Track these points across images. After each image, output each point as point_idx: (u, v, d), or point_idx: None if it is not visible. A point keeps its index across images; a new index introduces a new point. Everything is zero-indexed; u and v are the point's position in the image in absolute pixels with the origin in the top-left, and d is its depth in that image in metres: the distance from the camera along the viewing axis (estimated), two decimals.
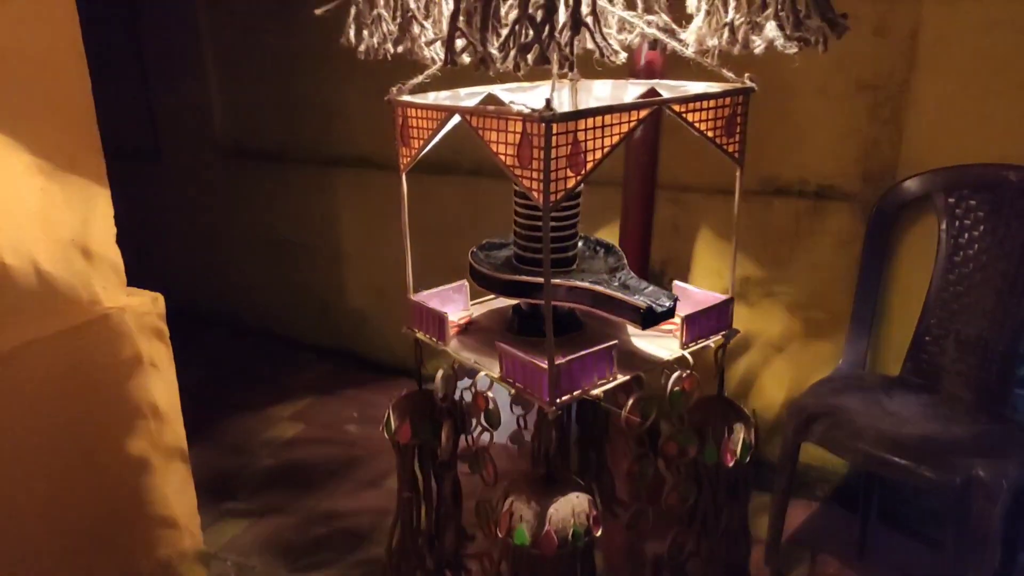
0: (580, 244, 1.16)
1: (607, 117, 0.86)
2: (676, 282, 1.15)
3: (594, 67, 0.94)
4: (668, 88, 1.07)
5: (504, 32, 0.78)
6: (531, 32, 0.75)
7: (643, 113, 0.87)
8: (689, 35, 0.92)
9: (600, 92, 1.17)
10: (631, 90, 1.13)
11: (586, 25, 0.78)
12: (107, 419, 1.65)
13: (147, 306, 1.71)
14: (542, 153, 0.83)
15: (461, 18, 0.80)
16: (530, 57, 0.77)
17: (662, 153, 1.93)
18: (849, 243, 2.05)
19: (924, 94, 1.89)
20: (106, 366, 1.63)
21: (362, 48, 1.05)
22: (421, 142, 1.08)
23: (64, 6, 1.45)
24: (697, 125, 0.93)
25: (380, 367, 3.04)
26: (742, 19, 0.87)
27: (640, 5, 1.04)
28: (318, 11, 1.06)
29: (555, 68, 0.79)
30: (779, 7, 0.85)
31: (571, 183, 0.85)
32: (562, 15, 0.79)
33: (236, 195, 3.32)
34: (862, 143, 2.00)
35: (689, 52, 0.95)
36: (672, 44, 0.96)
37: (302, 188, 3.10)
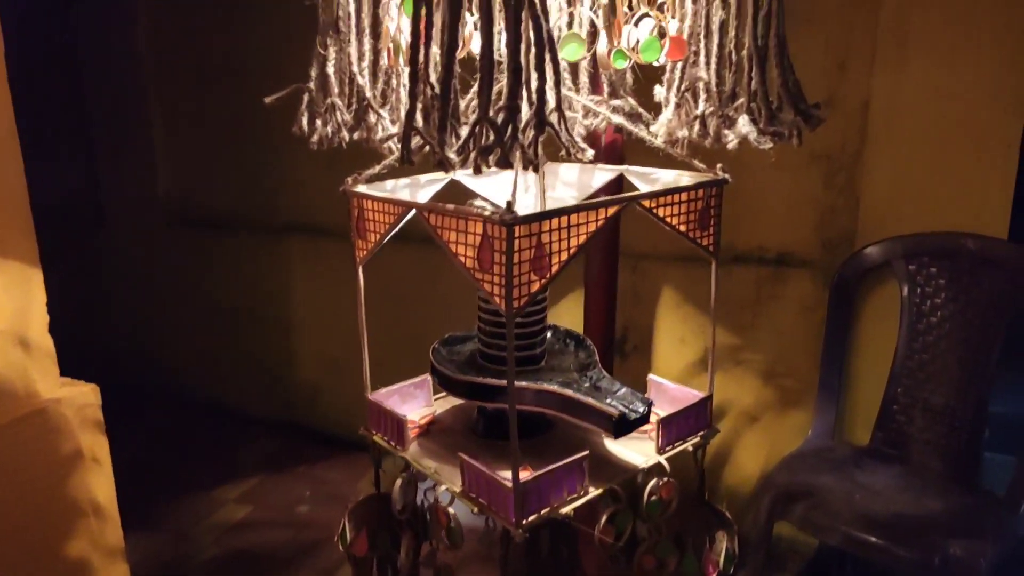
0: (549, 335, 1.10)
1: (573, 216, 0.81)
2: (651, 376, 1.09)
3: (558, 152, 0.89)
4: (637, 175, 1.03)
5: (464, 132, 0.72)
6: (492, 135, 0.70)
7: (612, 211, 0.83)
8: (659, 127, 0.88)
9: (567, 177, 1.13)
10: (598, 176, 1.09)
11: (550, 125, 0.73)
12: (45, 519, 1.52)
13: (86, 397, 1.59)
14: (504, 257, 0.77)
15: (418, 116, 0.75)
16: (491, 159, 0.72)
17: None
18: (812, 309, 2.04)
19: (878, 163, 1.90)
20: (44, 463, 1.51)
21: (315, 138, 0.99)
22: (378, 236, 1.02)
23: None
24: (669, 220, 0.88)
25: (334, 441, 2.91)
26: (713, 112, 0.84)
27: (606, 89, 1.01)
28: (268, 100, 1.00)
29: (518, 167, 0.75)
30: (751, 100, 0.82)
31: (535, 287, 0.80)
32: (525, 113, 0.74)
33: (182, 262, 3.19)
34: (819, 211, 2.00)
35: (658, 142, 0.91)
36: (640, 133, 0.93)
37: (251, 255, 2.99)
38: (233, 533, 2.39)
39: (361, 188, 1.03)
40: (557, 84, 0.74)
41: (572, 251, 0.81)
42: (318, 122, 0.98)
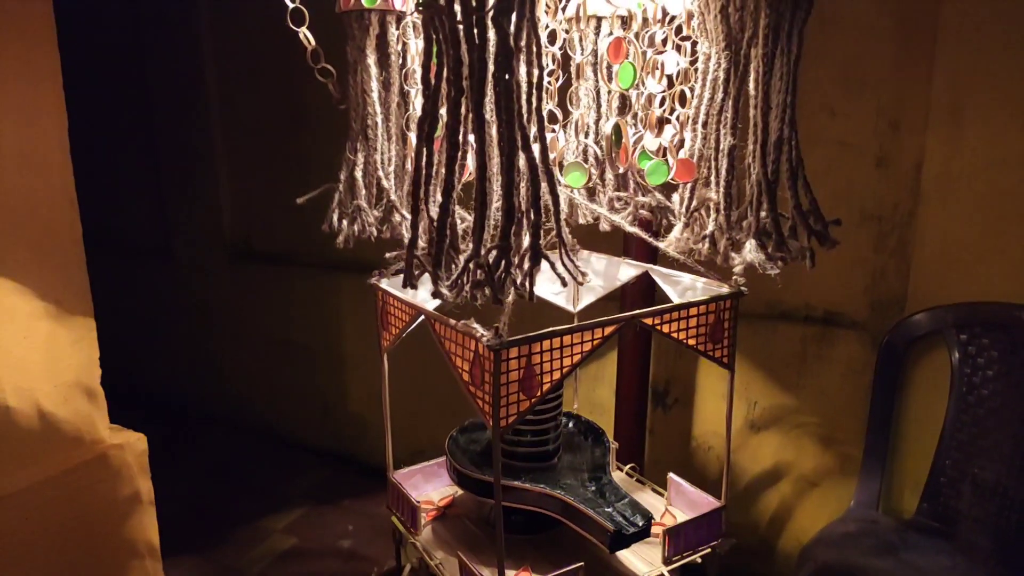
0: (570, 424, 1.11)
1: (566, 337, 0.81)
2: (671, 475, 1.08)
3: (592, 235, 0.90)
4: (660, 276, 1.03)
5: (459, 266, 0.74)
6: (483, 274, 0.72)
7: (608, 330, 0.83)
8: (670, 243, 0.88)
9: (597, 266, 1.14)
10: (624, 270, 1.10)
11: (546, 257, 0.74)
12: (104, 561, 1.62)
13: (140, 443, 1.69)
14: (492, 377, 0.78)
15: (420, 246, 0.78)
16: (484, 292, 0.74)
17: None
18: (859, 372, 1.98)
19: (930, 227, 1.84)
20: (105, 506, 1.61)
21: (340, 239, 1.03)
22: (398, 329, 1.05)
23: (59, 154, 1.46)
24: (676, 336, 0.88)
25: (380, 473, 2.97)
26: (722, 234, 0.83)
27: (632, 184, 1.02)
28: (300, 200, 1.04)
29: (510, 298, 0.76)
30: (760, 223, 0.81)
31: (524, 407, 0.81)
32: (525, 240, 0.76)
33: (242, 296, 3.32)
34: (869, 272, 1.95)
35: (672, 252, 0.91)
36: (654, 243, 0.93)
37: (307, 290, 3.09)
38: (277, 565, 2.47)
39: (385, 283, 1.06)
40: (557, 215, 0.76)
41: (564, 371, 0.82)
42: (345, 222, 1.02)
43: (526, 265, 0.74)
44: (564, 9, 0.96)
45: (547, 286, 1.00)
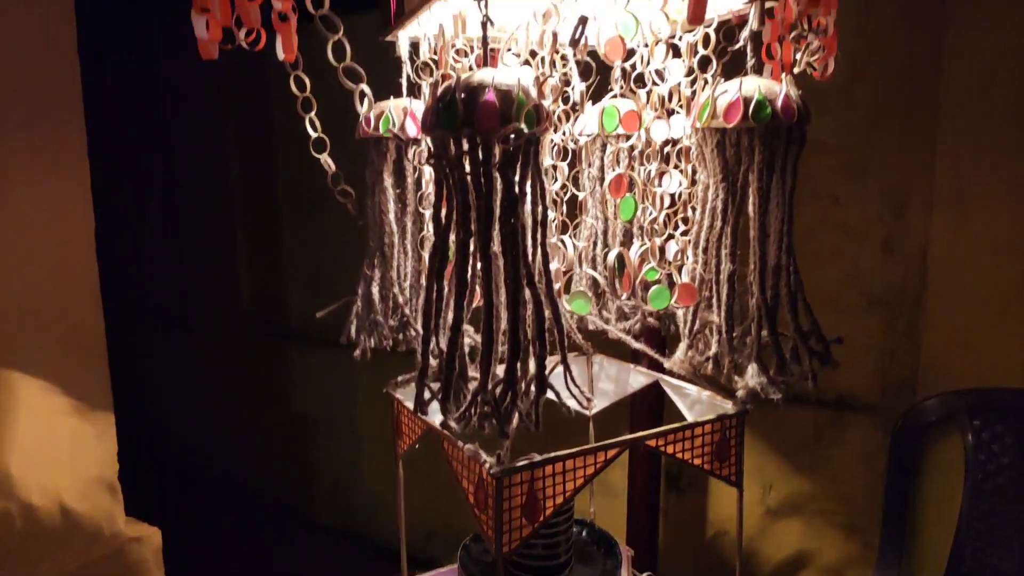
0: (584, 533, 1.12)
1: (569, 461, 0.83)
2: None
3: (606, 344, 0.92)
4: (670, 386, 1.05)
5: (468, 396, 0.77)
6: (489, 408, 0.74)
7: (611, 453, 0.85)
8: (674, 362, 0.90)
9: (611, 371, 1.16)
10: (635, 377, 1.12)
11: (551, 387, 0.77)
12: None
13: (155, 537, 1.70)
14: (495, 503, 0.80)
15: (430, 375, 0.80)
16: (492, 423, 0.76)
17: None
18: (873, 456, 1.96)
19: (939, 311, 1.85)
20: None
21: (357, 352, 1.05)
22: (412, 439, 1.06)
23: (86, 255, 1.52)
24: (680, 456, 0.90)
25: (393, 555, 2.94)
26: (726, 355, 0.86)
27: (640, 293, 1.04)
28: (319, 314, 1.08)
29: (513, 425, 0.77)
30: (761, 346, 0.84)
31: (527, 532, 0.82)
32: (531, 367, 0.78)
33: (257, 367, 3.35)
34: (879, 356, 1.95)
35: (676, 370, 0.93)
36: (658, 358, 0.95)
37: (323, 365, 3.12)
38: None
39: (400, 393, 1.09)
40: (562, 346, 0.78)
41: (568, 495, 0.83)
42: (363, 335, 1.05)
43: (532, 394, 0.76)
44: (572, 126, 1.01)
45: (563, 387, 1.02)
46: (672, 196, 0.97)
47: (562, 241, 1.03)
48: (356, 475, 3.10)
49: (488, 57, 0.77)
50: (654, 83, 0.93)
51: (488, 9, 0.75)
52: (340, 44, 0.88)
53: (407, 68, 1.01)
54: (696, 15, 0.66)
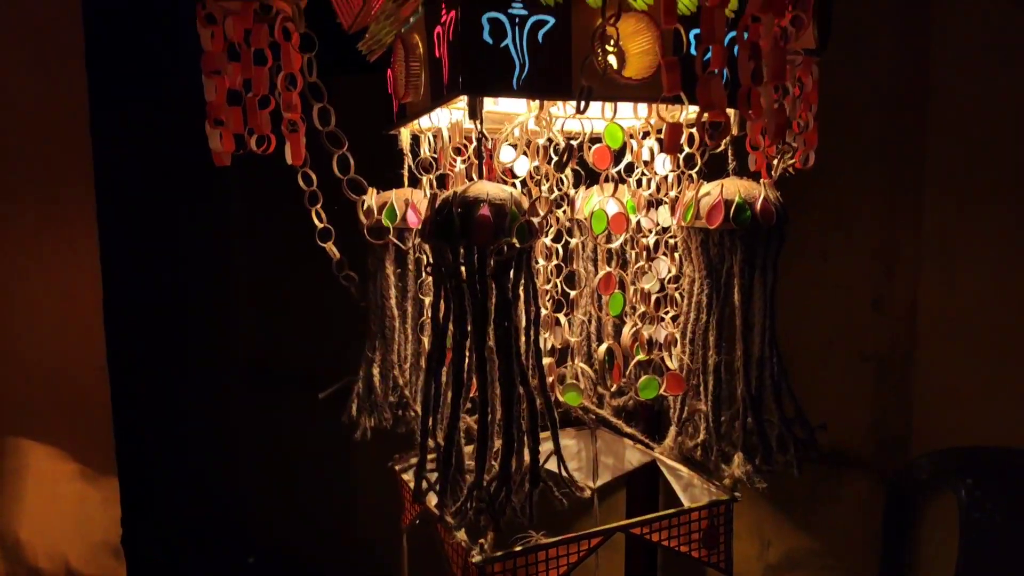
0: None
1: (551, 550, 0.86)
2: None
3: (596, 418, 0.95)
4: (665, 467, 1.08)
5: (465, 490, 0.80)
6: (484, 501, 0.78)
7: (594, 542, 0.88)
8: (664, 448, 0.94)
9: (612, 446, 1.20)
10: (631, 454, 1.15)
11: (544, 481, 0.80)
12: None
13: None
14: None
15: (428, 467, 0.84)
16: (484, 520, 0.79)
17: None
18: (870, 511, 1.98)
19: (930, 367, 1.88)
20: None
21: (357, 435, 1.09)
22: (414, 513, 1.10)
23: (94, 326, 1.56)
24: (668, 544, 0.92)
25: None
26: (714, 443, 0.89)
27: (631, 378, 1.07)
28: (321, 395, 1.12)
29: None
30: (747, 434, 0.87)
31: None
32: (525, 458, 0.81)
33: (256, 415, 3.37)
34: (873, 411, 1.98)
35: (666, 458, 0.97)
36: (645, 445, 0.98)
37: (321, 415, 3.14)
38: None
39: (400, 467, 1.12)
40: (555, 437, 0.82)
41: None
42: (363, 416, 1.09)
43: (526, 487, 0.80)
44: (566, 211, 1.05)
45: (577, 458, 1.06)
46: (662, 281, 1.02)
47: (557, 320, 1.07)
48: (354, 526, 3.10)
49: (483, 167, 0.82)
50: (643, 174, 0.98)
51: (484, 125, 0.80)
52: (325, 109, 0.92)
53: (408, 160, 1.06)
54: (671, 146, 0.70)
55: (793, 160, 0.90)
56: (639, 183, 0.99)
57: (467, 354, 0.79)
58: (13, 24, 1.39)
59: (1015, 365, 1.76)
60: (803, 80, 1.05)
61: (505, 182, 1.02)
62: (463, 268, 0.77)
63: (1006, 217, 1.74)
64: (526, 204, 0.77)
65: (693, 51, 0.77)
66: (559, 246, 1.09)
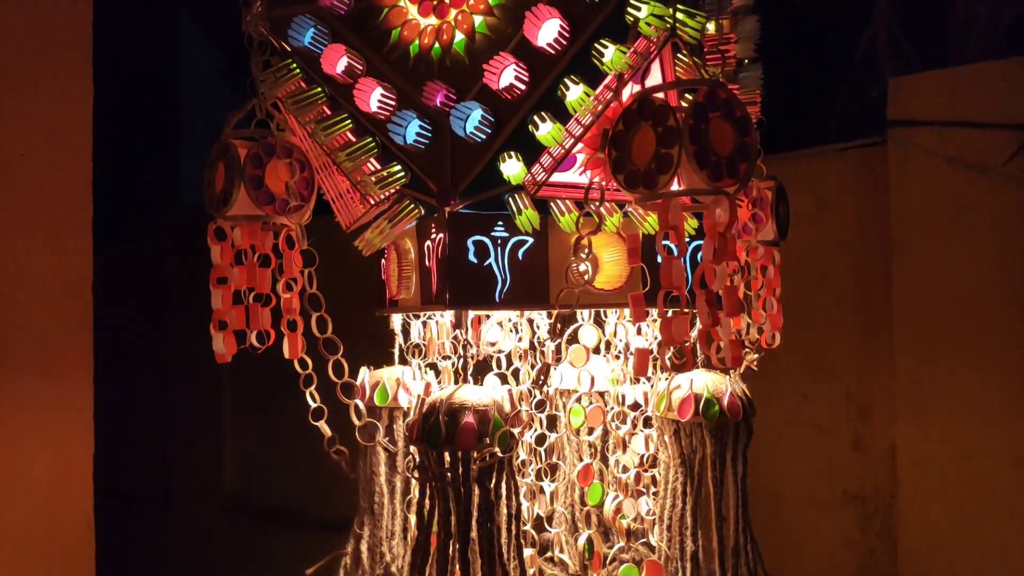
0: None
1: None
2: None
3: None
4: None
5: None
6: None
7: None
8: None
9: None
10: None
11: None
12: None
13: None
14: None
15: None
16: None
17: None
18: None
19: (912, 512, 1.91)
20: None
21: None
22: None
23: (82, 482, 1.58)
24: None
25: None
26: None
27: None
28: (308, 572, 1.13)
29: None
30: None
31: None
32: None
33: (236, 548, 3.31)
34: (859, 554, 1.99)
35: None
36: None
37: (305, 548, 3.08)
38: None
39: None
40: None
41: None
42: None
43: None
44: (542, 387, 1.10)
45: None
46: (641, 457, 1.06)
47: (541, 488, 1.11)
48: None
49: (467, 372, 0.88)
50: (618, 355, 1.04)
51: (469, 334, 0.87)
52: (322, 318, 0.98)
53: (399, 339, 1.13)
54: (640, 370, 0.77)
55: (757, 356, 0.96)
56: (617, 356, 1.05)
57: (451, 551, 0.83)
58: (22, 201, 1.48)
59: (988, 514, 1.78)
60: (766, 267, 1.13)
61: (489, 359, 1.09)
62: (448, 472, 0.81)
63: (971, 372, 1.81)
64: (508, 408, 0.83)
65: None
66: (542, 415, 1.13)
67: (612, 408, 1.04)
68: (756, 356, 0.98)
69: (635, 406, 1.06)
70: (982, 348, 1.80)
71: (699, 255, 0.95)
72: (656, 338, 0.98)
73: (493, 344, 1.06)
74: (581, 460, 1.02)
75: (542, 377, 0.83)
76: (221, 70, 3.84)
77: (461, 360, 0.94)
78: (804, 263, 1.99)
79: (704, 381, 0.92)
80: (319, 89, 0.94)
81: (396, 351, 1.13)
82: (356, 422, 0.98)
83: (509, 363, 1.07)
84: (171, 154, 4.18)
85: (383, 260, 1.08)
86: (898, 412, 1.93)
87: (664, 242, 0.70)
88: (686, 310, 0.74)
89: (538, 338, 1.05)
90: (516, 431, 0.82)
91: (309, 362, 1.05)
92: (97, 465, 1.67)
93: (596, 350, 1.03)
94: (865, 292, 2.01)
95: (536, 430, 1.02)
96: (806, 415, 2.07)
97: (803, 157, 2.11)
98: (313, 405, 1.09)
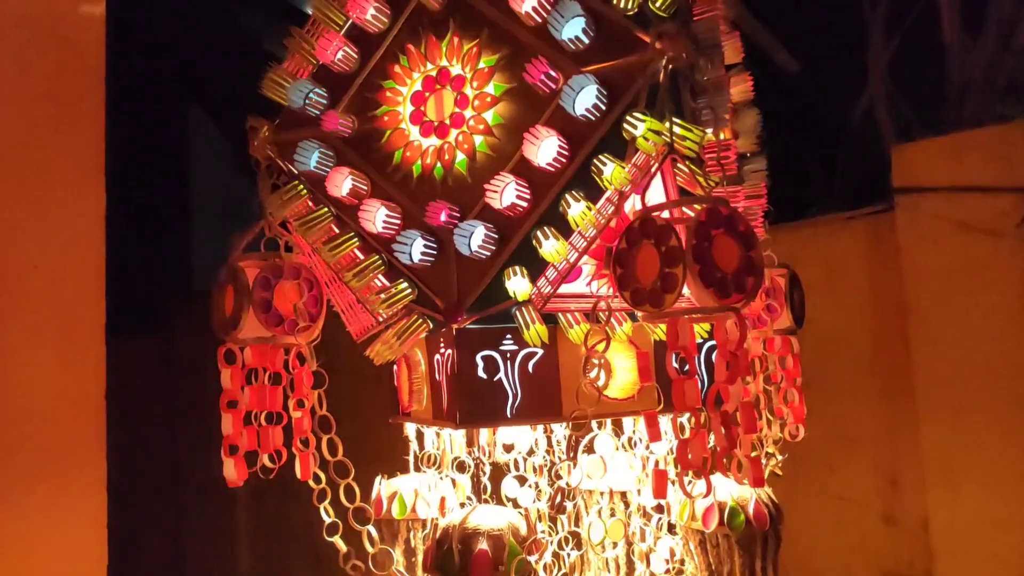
0: None
1: None
2: None
3: None
4: None
5: None
6: None
7: None
8: None
9: None
10: None
11: None
12: None
13: None
14: None
15: None
16: None
17: None
18: None
19: None
20: None
21: None
22: None
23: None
24: None
25: None
26: None
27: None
28: None
29: None
30: None
31: None
32: None
33: None
34: None
35: None
36: None
37: None
38: None
39: None
40: None
41: None
42: None
43: None
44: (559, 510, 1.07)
45: None
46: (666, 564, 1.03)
47: None
48: None
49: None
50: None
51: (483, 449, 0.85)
52: (332, 441, 0.97)
53: (414, 446, 1.11)
54: (659, 494, 0.75)
55: (778, 462, 0.94)
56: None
57: None
58: (35, 313, 1.49)
59: None
60: (784, 358, 1.12)
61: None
62: None
63: (999, 439, 1.77)
64: (525, 532, 0.81)
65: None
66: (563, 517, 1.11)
67: (633, 510, 1.02)
68: (780, 459, 0.95)
69: (659, 509, 1.03)
70: (1007, 411, 1.76)
71: (713, 355, 0.94)
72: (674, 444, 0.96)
73: (510, 448, 1.04)
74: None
75: (558, 498, 0.81)
76: (229, 155, 3.93)
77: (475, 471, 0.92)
78: (819, 331, 1.96)
79: (728, 488, 0.90)
80: (325, 209, 0.95)
81: (411, 459, 1.11)
82: (370, 549, 0.96)
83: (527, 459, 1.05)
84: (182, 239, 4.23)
85: (395, 367, 1.07)
86: (928, 483, 1.88)
87: (675, 364, 0.69)
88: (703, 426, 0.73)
89: (555, 439, 1.03)
90: (533, 559, 0.80)
91: (323, 476, 1.04)
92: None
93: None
94: (884, 358, 1.98)
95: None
96: (832, 487, 2.02)
97: (810, 226, 2.11)
98: (328, 520, 1.07)
